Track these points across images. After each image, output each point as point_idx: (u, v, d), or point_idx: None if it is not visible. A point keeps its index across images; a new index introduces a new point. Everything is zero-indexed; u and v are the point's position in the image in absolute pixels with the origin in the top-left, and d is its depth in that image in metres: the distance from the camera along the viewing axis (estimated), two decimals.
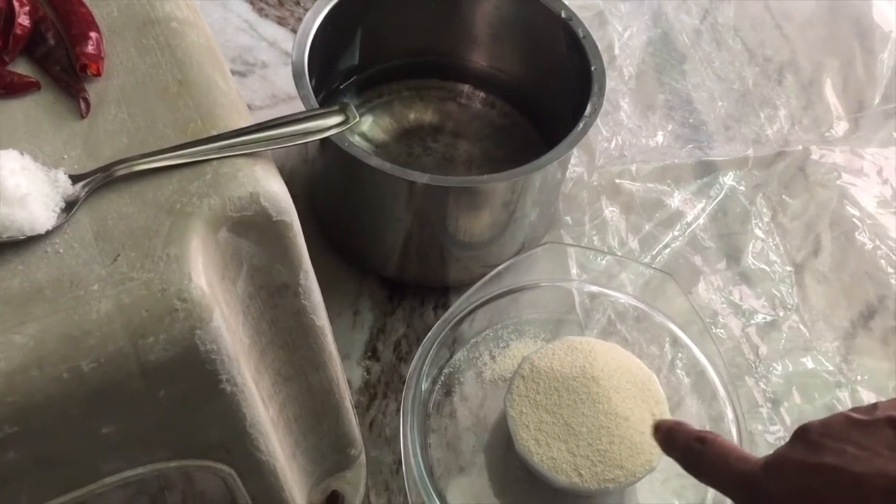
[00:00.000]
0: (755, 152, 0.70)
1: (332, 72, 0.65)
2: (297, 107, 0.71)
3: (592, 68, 0.58)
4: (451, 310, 0.57)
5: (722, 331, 0.63)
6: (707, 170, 0.69)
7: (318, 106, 0.55)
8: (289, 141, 0.40)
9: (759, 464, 0.36)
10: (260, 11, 0.75)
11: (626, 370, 0.54)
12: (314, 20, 0.58)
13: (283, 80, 0.71)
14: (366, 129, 0.67)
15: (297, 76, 0.56)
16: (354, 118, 0.41)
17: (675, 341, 0.59)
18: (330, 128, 0.41)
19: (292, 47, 0.57)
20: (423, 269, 0.62)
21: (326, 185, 0.61)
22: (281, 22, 0.74)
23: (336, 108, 0.41)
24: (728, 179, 0.68)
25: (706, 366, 0.57)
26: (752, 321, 0.63)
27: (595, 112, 0.56)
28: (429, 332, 0.56)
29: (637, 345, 0.60)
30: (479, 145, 0.68)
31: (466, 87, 0.70)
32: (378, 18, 0.63)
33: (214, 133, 0.39)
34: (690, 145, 0.70)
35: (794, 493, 0.33)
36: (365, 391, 0.58)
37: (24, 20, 0.40)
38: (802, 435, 0.35)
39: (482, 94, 0.70)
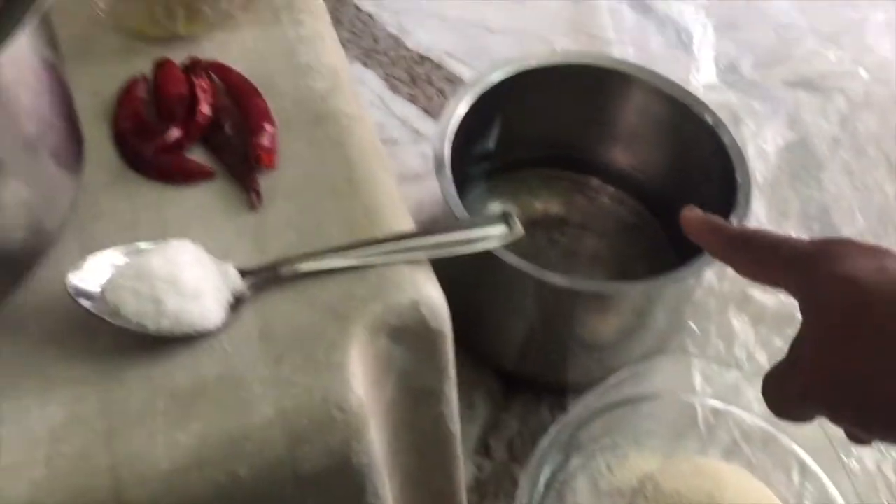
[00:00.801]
0: None
1: (466, 157, 0.65)
2: (426, 186, 0.71)
3: (738, 180, 0.56)
4: (569, 413, 0.55)
5: (856, 463, 0.59)
6: None
7: (457, 197, 0.55)
8: (452, 249, 0.40)
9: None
10: (393, 88, 0.76)
11: (756, 502, 0.51)
12: (456, 110, 0.59)
13: (412, 157, 0.71)
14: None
15: (438, 166, 0.56)
16: (518, 230, 0.40)
17: (804, 469, 0.56)
18: (493, 238, 0.40)
19: (434, 135, 0.58)
20: (542, 366, 0.60)
21: (453, 274, 0.61)
22: (412, 100, 0.75)
23: (500, 217, 0.41)
24: None
25: (838, 502, 0.54)
26: (891, 455, 0.59)
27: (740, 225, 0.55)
28: (543, 432, 0.54)
29: (762, 469, 0.57)
30: (605, 241, 0.66)
31: (595, 181, 0.69)
32: (519, 108, 0.63)
33: (379, 235, 0.39)
34: None
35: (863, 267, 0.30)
36: (476, 490, 0.57)
37: (205, 109, 0.41)
38: None
39: (612, 189, 0.69)
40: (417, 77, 0.77)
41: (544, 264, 0.52)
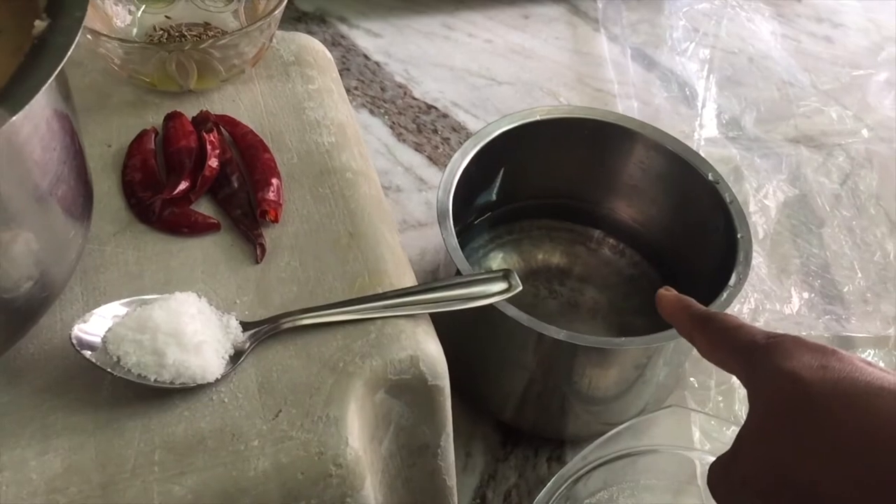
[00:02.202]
0: None
1: (469, 207, 0.66)
2: (428, 234, 0.72)
3: (739, 236, 0.57)
4: (567, 466, 0.55)
5: None
6: (844, 345, 0.66)
7: (459, 247, 0.56)
8: (451, 305, 0.40)
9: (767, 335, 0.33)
10: (399, 136, 0.77)
11: None
12: (461, 162, 0.59)
13: (416, 205, 0.72)
14: (494, 266, 0.67)
15: (441, 217, 0.56)
16: (518, 287, 0.41)
17: None
18: (493, 294, 0.41)
19: (438, 185, 0.58)
20: (541, 418, 0.60)
21: (452, 324, 0.61)
22: (418, 148, 0.76)
23: (500, 274, 0.41)
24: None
25: None
26: None
27: (740, 283, 0.55)
28: (541, 485, 0.54)
29: None
30: (606, 293, 0.67)
31: (597, 233, 0.69)
32: (522, 160, 0.64)
33: (380, 290, 0.39)
34: (827, 317, 0.67)
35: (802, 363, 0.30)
36: None
37: (213, 162, 0.41)
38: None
39: (612, 241, 0.69)
40: (423, 126, 0.78)
41: (544, 315, 0.52)
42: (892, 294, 0.69)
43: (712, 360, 0.36)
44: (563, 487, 0.55)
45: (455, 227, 0.62)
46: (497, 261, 0.67)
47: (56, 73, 0.29)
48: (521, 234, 0.69)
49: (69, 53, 0.30)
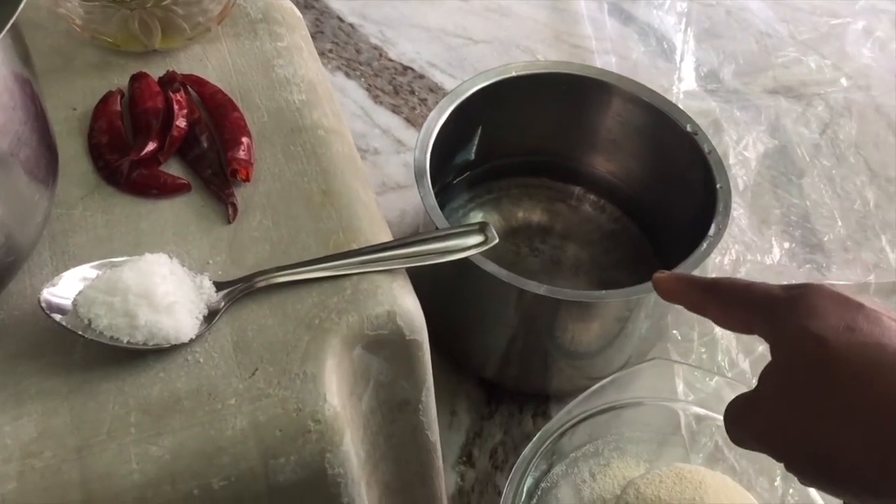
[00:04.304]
0: (877, 278, 0.67)
1: (447, 167, 0.65)
2: (407, 196, 0.72)
3: (718, 186, 0.57)
4: (552, 422, 0.55)
5: None
6: None
7: (437, 206, 0.55)
8: (428, 259, 0.40)
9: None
10: (375, 98, 0.76)
11: None
12: (438, 119, 0.59)
13: (394, 167, 0.71)
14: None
15: (418, 176, 0.56)
16: (494, 239, 0.40)
17: (787, 475, 0.56)
18: (469, 247, 0.40)
19: (415, 145, 0.58)
20: (524, 375, 0.60)
21: (434, 283, 0.61)
22: (395, 110, 0.75)
23: (476, 226, 0.41)
24: None
25: None
26: None
27: (720, 233, 0.55)
28: (526, 441, 0.54)
29: (745, 475, 0.57)
30: (587, 249, 0.67)
31: (577, 189, 0.69)
32: (498, 117, 0.64)
33: (355, 247, 0.39)
34: (808, 266, 0.67)
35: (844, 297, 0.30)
36: (458, 499, 0.57)
37: (181, 122, 0.41)
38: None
39: (593, 198, 0.69)
40: (400, 87, 0.77)
41: (526, 273, 0.52)
42: (871, 241, 0.70)
43: (728, 325, 0.35)
44: (548, 442, 0.55)
45: (434, 187, 0.61)
46: (477, 220, 0.67)
47: (6, 29, 0.29)
48: (500, 192, 0.69)
49: (19, 9, 0.29)
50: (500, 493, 0.51)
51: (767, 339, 0.32)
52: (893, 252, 0.69)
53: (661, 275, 0.38)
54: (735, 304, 0.34)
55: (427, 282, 0.61)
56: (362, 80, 0.77)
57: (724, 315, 0.35)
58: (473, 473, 0.58)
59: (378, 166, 0.72)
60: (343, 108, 0.75)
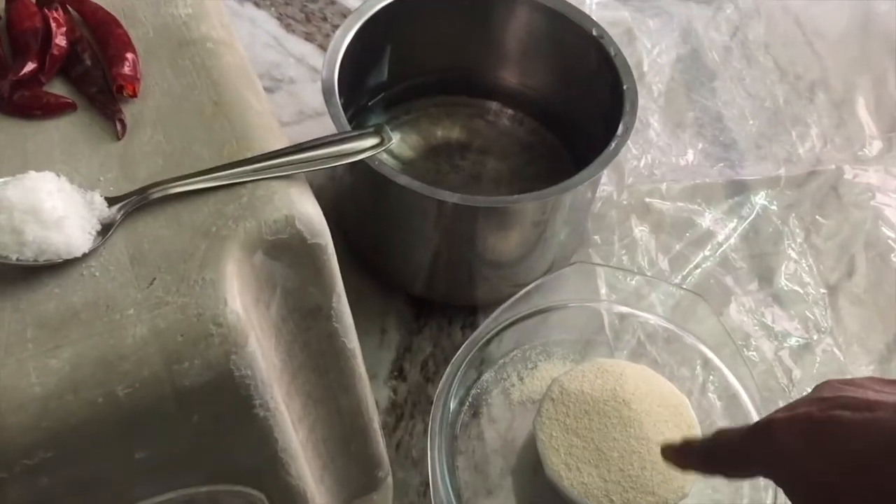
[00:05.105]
0: (787, 171, 0.69)
1: (360, 88, 0.65)
2: (326, 123, 0.71)
3: (624, 87, 0.57)
4: (478, 330, 0.57)
5: (754, 353, 0.62)
6: (738, 189, 0.68)
7: (347, 125, 0.55)
8: (324, 163, 0.40)
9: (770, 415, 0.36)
10: (287, 27, 0.75)
11: (658, 394, 0.54)
12: (344, 38, 0.58)
13: (311, 96, 0.71)
14: (393, 146, 0.67)
15: (327, 94, 0.56)
16: (390, 140, 0.40)
17: (707, 364, 0.58)
18: (366, 150, 0.41)
19: (322, 65, 0.57)
20: (450, 287, 0.61)
21: (354, 203, 0.61)
22: (308, 38, 0.74)
23: (371, 129, 0.41)
24: (760, 199, 0.67)
25: (738, 389, 0.56)
26: (786, 344, 0.62)
27: (627, 132, 0.56)
28: (456, 351, 0.55)
29: (667, 367, 0.59)
30: (507, 163, 0.67)
31: (494, 105, 0.69)
32: (406, 34, 0.63)
33: (249, 155, 0.39)
34: (721, 164, 0.69)
35: (805, 418, 0.33)
36: (392, 412, 0.58)
37: (60, 41, 0.40)
38: (822, 386, 0.36)
39: (510, 112, 0.69)
40: (312, 14, 0.76)
41: (448, 189, 0.52)
42: (781, 137, 0.71)
43: (741, 476, 0.39)
44: (475, 349, 0.56)
45: (348, 110, 0.61)
46: (395, 141, 0.67)
47: None
48: (418, 112, 0.69)
49: None
50: (432, 403, 0.52)
51: (778, 482, 0.35)
52: (803, 146, 0.71)
53: (666, 447, 0.42)
54: (733, 471, 0.38)
55: (348, 203, 0.62)
56: (273, 9, 0.76)
57: (731, 474, 0.39)
58: (405, 387, 0.59)
59: (294, 95, 0.71)
60: (255, 39, 0.74)
